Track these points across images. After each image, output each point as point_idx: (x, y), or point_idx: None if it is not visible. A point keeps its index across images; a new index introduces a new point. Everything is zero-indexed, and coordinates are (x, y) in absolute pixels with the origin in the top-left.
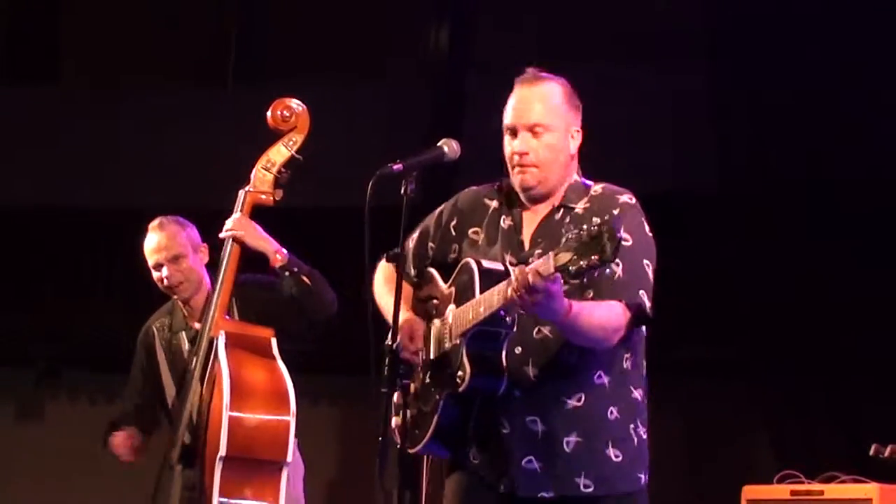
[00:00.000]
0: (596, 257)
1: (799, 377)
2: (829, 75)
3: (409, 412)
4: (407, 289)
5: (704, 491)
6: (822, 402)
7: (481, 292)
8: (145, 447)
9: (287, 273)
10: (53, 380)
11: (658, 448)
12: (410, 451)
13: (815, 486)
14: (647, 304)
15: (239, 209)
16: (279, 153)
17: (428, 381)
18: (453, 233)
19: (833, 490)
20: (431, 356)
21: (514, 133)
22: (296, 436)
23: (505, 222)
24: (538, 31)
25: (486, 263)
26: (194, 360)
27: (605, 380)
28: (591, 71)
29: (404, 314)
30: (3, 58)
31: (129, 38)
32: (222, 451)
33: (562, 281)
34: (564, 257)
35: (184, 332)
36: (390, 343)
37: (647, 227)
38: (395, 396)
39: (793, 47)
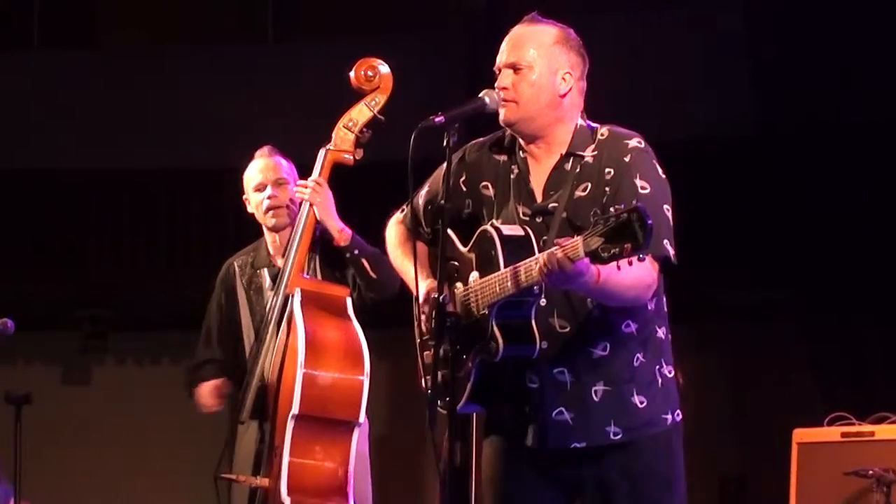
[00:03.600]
0: (629, 245)
1: (847, 318)
2: (863, 13)
3: (440, 374)
4: (421, 247)
5: (755, 434)
6: (871, 343)
7: (506, 263)
8: (226, 394)
9: (348, 255)
10: (99, 343)
11: (708, 393)
12: (442, 411)
13: (866, 428)
14: (672, 251)
15: (319, 168)
16: (361, 113)
17: (458, 347)
18: (464, 188)
19: (884, 431)
20: (461, 322)
21: (499, 71)
22: None
23: (513, 171)
24: None
25: (506, 230)
26: (270, 313)
27: (633, 328)
28: (627, 19)
29: (424, 281)
30: (39, 22)
31: None
32: (295, 409)
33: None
34: (595, 242)
35: (266, 270)
36: (437, 297)
37: (659, 170)
38: (425, 356)
39: None
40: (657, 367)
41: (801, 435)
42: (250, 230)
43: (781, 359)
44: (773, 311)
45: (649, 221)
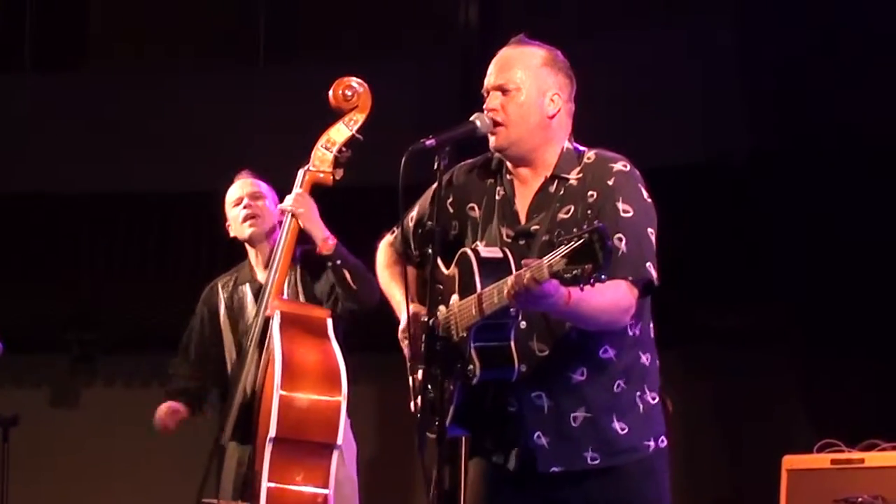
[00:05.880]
0: (589, 266)
1: (837, 345)
2: (859, 27)
3: (426, 397)
4: (410, 270)
5: (744, 461)
6: (862, 369)
7: (482, 285)
8: (182, 420)
9: (330, 264)
10: (87, 365)
11: (696, 418)
12: (431, 436)
13: (856, 455)
14: (654, 275)
15: (298, 187)
16: (339, 132)
17: (440, 370)
18: (451, 210)
19: (874, 458)
20: (442, 345)
21: (487, 93)
22: (347, 415)
23: (498, 193)
24: (567, 5)
25: (483, 252)
26: (250, 335)
27: (612, 353)
28: (619, 40)
29: (410, 305)
30: (31, 43)
31: (156, 18)
32: (272, 433)
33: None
34: (558, 264)
35: (248, 285)
36: (427, 321)
37: (644, 193)
38: (411, 381)
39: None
40: (638, 393)
41: (790, 462)
42: (240, 252)
43: (771, 384)
44: (763, 337)
45: (609, 242)
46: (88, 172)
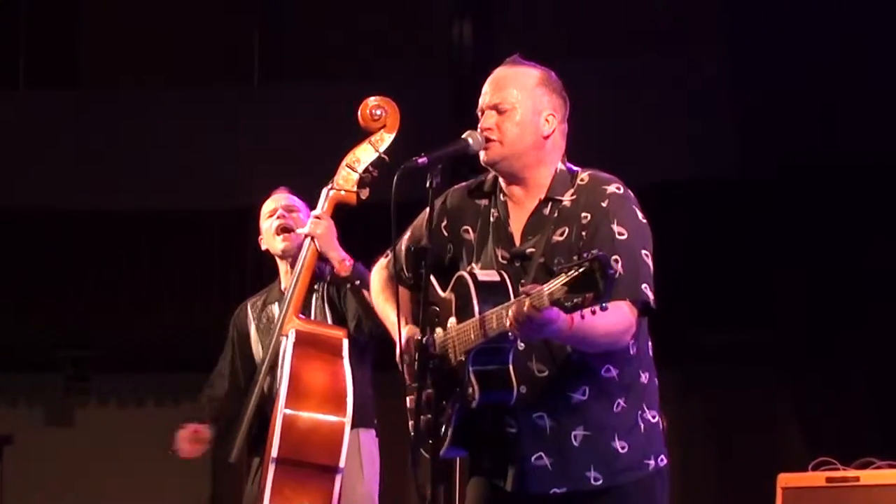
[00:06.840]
0: (591, 295)
1: (832, 362)
2: (846, 54)
3: (423, 419)
4: (403, 292)
5: (739, 479)
6: (856, 387)
7: (480, 309)
8: (205, 441)
9: (349, 285)
10: (82, 384)
11: (691, 436)
12: (425, 454)
13: (851, 473)
14: (651, 296)
15: (321, 208)
16: (366, 151)
17: (439, 392)
18: (445, 233)
19: (869, 476)
20: (439, 368)
21: (482, 113)
22: (377, 435)
23: (493, 215)
24: (561, 26)
25: (481, 276)
26: (266, 354)
27: (614, 372)
28: (613, 64)
29: (404, 328)
30: (25, 61)
31: (150, 39)
32: (274, 453)
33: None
34: (559, 292)
35: (276, 304)
36: (420, 339)
37: (639, 214)
38: (409, 401)
39: (810, 26)
40: (639, 412)
41: (785, 480)
42: (235, 272)
43: (766, 402)
44: (757, 355)
45: (610, 271)
46: (81, 191)
